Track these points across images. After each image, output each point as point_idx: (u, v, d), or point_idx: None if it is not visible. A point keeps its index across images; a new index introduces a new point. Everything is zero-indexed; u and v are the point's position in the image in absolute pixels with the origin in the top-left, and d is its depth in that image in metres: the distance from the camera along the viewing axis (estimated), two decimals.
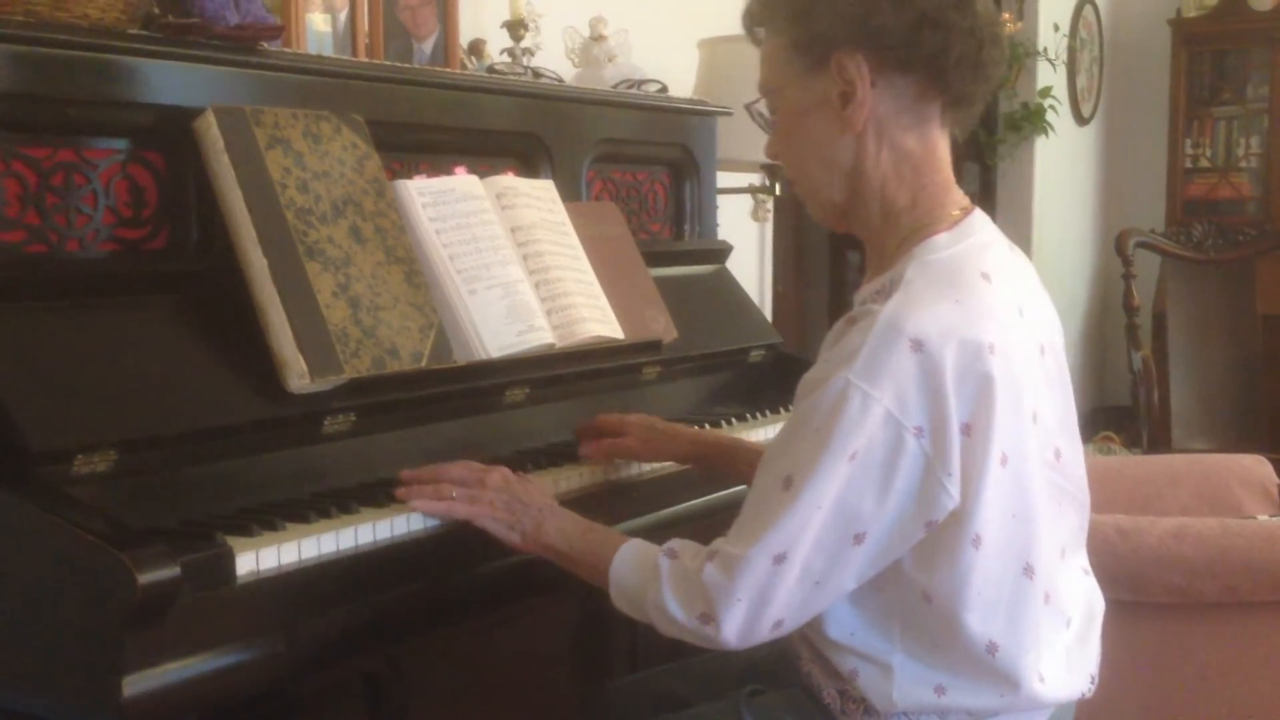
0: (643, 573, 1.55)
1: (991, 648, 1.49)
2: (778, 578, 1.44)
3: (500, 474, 1.73)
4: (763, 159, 3.24)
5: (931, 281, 1.47)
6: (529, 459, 1.95)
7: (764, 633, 1.48)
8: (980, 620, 1.48)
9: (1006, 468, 1.45)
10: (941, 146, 1.57)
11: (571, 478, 1.95)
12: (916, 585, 1.48)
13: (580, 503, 1.83)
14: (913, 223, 1.54)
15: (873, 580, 1.49)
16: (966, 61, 1.50)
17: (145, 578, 1.30)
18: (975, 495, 1.43)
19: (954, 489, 1.42)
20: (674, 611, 1.50)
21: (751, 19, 1.63)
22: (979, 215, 1.58)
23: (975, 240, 1.54)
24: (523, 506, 1.70)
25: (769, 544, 1.44)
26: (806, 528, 1.42)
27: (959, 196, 1.58)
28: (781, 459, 1.47)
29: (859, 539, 1.43)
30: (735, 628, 1.47)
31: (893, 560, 1.47)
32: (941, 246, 1.51)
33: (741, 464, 1.96)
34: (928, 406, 1.40)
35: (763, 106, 1.64)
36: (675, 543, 1.57)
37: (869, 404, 1.40)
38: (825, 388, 1.43)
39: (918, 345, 1.40)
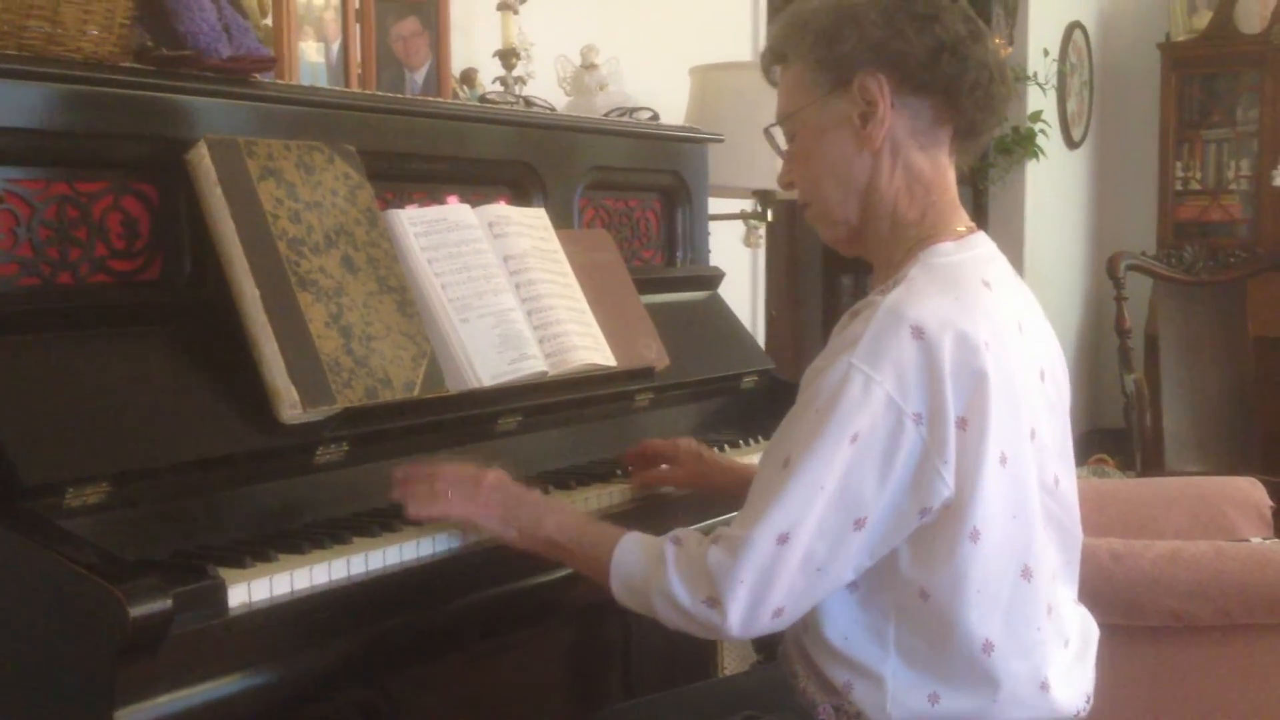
0: (647, 561, 1.56)
1: (987, 646, 1.51)
2: (780, 559, 1.46)
3: (496, 474, 1.74)
4: (755, 184, 3.25)
5: (933, 279, 1.53)
6: (538, 484, 1.95)
7: (765, 620, 1.49)
8: (978, 618, 1.51)
9: (1006, 468, 1.49)
10: (950, 173, 1.65)
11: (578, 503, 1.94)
12: (914, 583, 1.51)
13: None
14: (919, 234, 1.60)
15: (869, 578, 1.52)
16: (979, 89, 1.58)
17: (137, 610, 1.30)
18: (971, 489, 1.46)
19: (949, 477, 1.45)
20: (680, 597, 1.51)
21: (772, 56, 1.68)
22: (983, 235, 1.65)
23: (979, 253, 1.61)
24: (518, 503, 1.71)
25: (771, 523, 1.46)
26: (809, 509, 1.45)
27: (964, 217, 1.65)
28: (783, 442, 1.51)
29: (859, 524, 1.46)
30: (739, 611, 1.47)
31: (888, 551, 1.49)
32: (946, 253, 1.58)
33: None
34: (926, 393, 1.44)
35: (778, 134, 1.69)
36: (680, 531, 1.59)
37: (871, 387, 1.44)
38: (828, 372, 1.47)
39: (918, 332, 1.45)
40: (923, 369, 1.44)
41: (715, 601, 1.48)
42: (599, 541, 1.63)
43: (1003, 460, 1.48)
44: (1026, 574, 1.53)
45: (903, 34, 1.56)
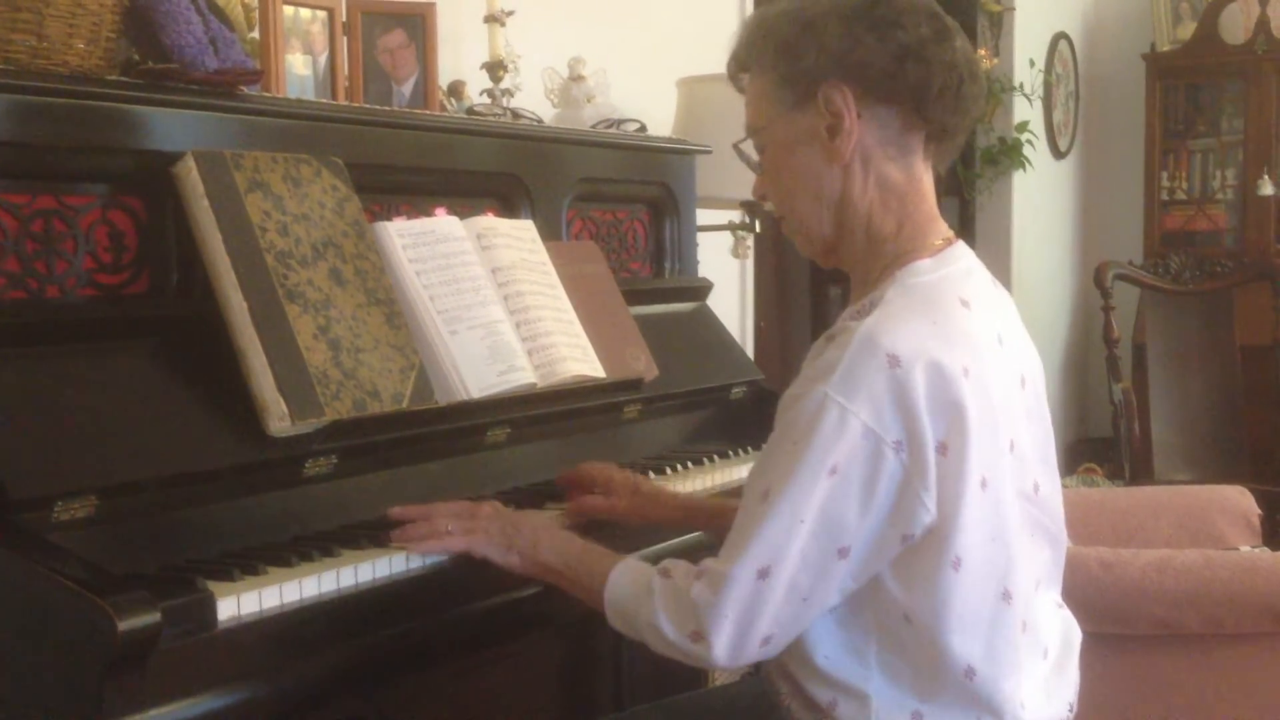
0: (637, 592, 1.56)
1: (969, 672, 1.50)
2: (763, 594, 1.45)
3: (492, 505, 1.75)
4: (742, 196, 3.25)
5: (910, 302, 1.50)
6: (512, 499, 1.95)
7: (754, 649, 1.49)
8: (960, 643, 1.49)
9: (986, 492, 1.47)
10: (925, 179, 1.61)
11: (558, 518, 1.93)
12: (898, 605, 1.49)
13: None
14: (896, 249, 1.57)
15: (854, 598, 1.50)
16: (948, 93, 1.54)
17: (125, 624, 1.30)
18: (953, 516, 1.45)
19: (931, 504, 1.44)
20: (666, 630, 1.51)
21: (737, 64, 1.66)
22: (961, 246, 1.61)
23: (957, 268, 1.57)
24: (516, 529, 1.71)
25: (751, 558, 1.45)
26: (790, 542, 1.44)
27: (943, 228, 1.61)
28: (762, 475, 1.50)
29: (843, 553, 1.45)
30: (725, 645, 1.47)
31: (872, 574, 1.48)
32: (923, 271, 1.54)
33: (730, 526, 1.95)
34: (903, 421, 1.42)
35: (749, 147, 1.66)
36: (669, 562, 1.57)
37: (846, 418, 1.42)
38: (803, 402, 1.45)
39: (894, 360, 1.42)
40: (898, 398, 1.42)
41: (700, 636, 1.48)
42: (593, 570, 1.63)
43: (983, 485, 1.46)
44: (1006, 596, 1.51)
45: (863, 43, 1.52)
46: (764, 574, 1.45)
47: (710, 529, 1.98)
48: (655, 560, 1.61)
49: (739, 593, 1.45)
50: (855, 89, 1.53)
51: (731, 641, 1.47)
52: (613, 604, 1.59)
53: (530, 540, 1.70)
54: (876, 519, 1.44)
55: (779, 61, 1.58)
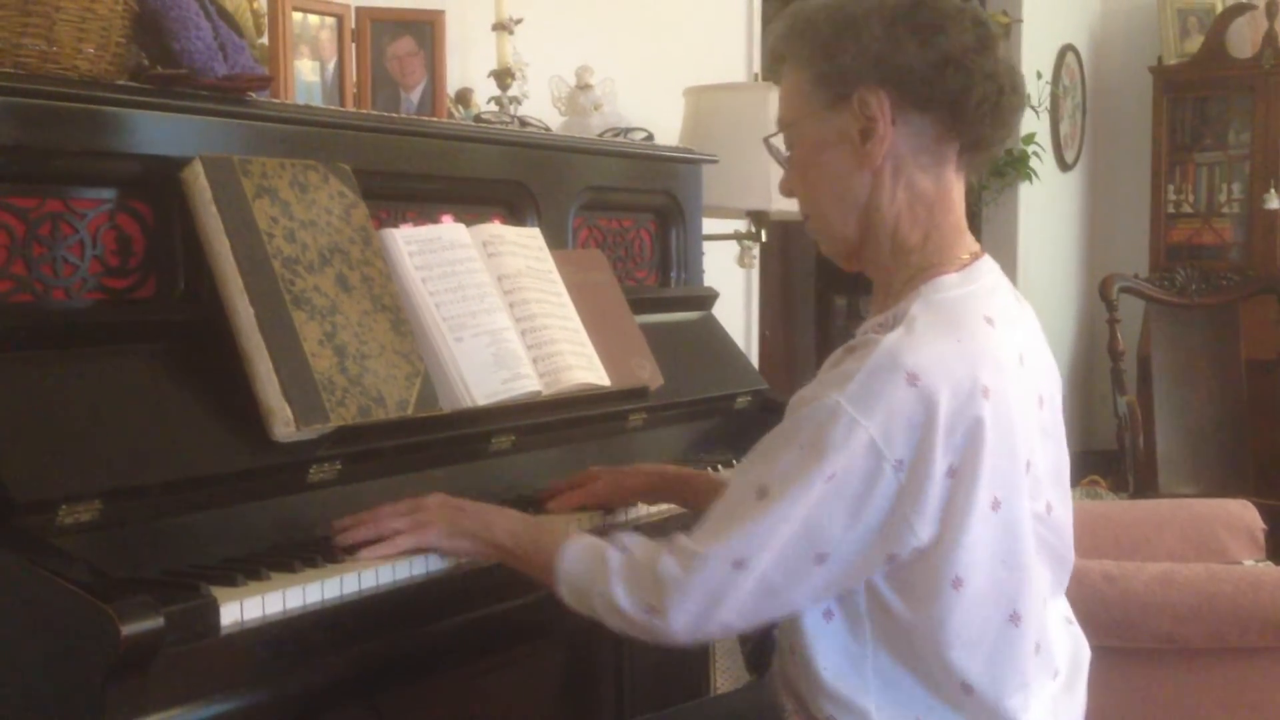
0: (591, 565, 1.55)
1: (966, 688, 1.49)
2: (733, 582, 1.44)
3: (439, 496, 1.73)
4: (749, 205, 3.26)
5: (935, 320, 1.47)
6: (516, 507, 1.94)
7: (711, 632, 1.49)
8: (958, 659, 1.48)
9: (999, 513, 1.45)
10: (956, 190, 1.58)
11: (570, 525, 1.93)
12: (896, 618, 1.49)
13: None
14: (922, 261, 1.55)
15: (852, 609, 1.50)
16: (987, 104, 1.52)
17: (128, 628, 1.30)
18: (955, 537, 1.43)
19: (921, 528, 1.42)
20: (621, 602, 1.50)
21: (774, 56, 1.63)
22: (988, 261, 1.59)
23: (982, 284, 1.55)
24: (463, 513, 1.70)
25: (731, 547, 1.44)
26: (771, 539, 1.43)
27: (970, 241, 1.59)
28: (759, 467, 1.48)
29: (821, 559, 1.43)
30: (683, 623, 1.47)
31: (852, 586, 1.48)
32: (948, 287, 1.52)
33: (702, 495, 1.94)
34: (913, 442, 1.40)
35: (779, 142, 1.64)
36: (625, 536, 1.57)
37: (855, 429, 1.40)
38: (814, 406, 1.44)
39: (914, 379, 1.40)
40: (914, 417, 1.40)
41: (657, 610, 1.47)
42: (545, 545, 1.62)
43: (994, 505, 1.45)
44: (1015, 619, 1.50)
45: (904, 48, 1.49)
46: (739, 565, 1.44)
47: (679, 498, 1.99)
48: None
49: (710, 577, 1.45)
50: (892, 94, 1.51)
51: (690, 621, 1.47)
52: (565, 577, 1.57)
53: (479, 522, 1.68)
54: (861, 534, 1.43)
55: (816, 59, 1.55)
